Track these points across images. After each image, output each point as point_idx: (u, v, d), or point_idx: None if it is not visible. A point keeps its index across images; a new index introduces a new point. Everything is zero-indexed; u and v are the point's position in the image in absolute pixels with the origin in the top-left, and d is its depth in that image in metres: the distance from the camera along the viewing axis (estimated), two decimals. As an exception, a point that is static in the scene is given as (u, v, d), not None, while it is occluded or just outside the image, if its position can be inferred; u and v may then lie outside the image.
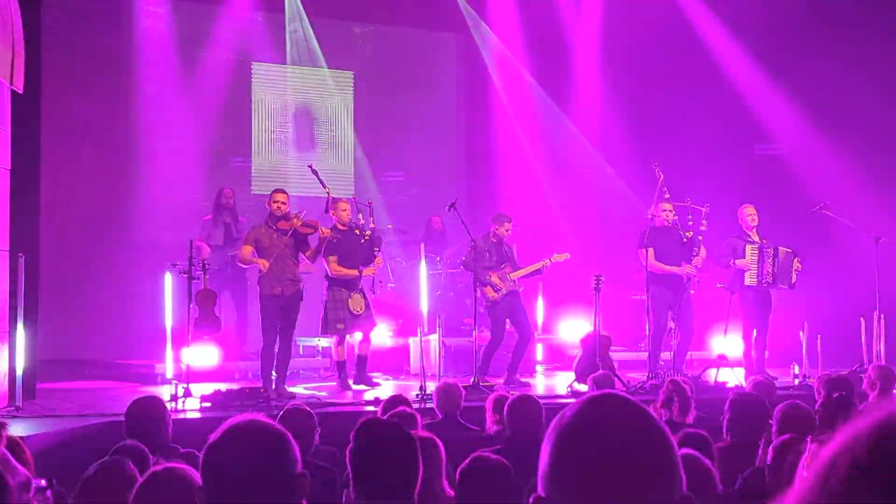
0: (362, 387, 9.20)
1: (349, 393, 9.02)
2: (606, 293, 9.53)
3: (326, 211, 9.39)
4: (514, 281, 9.81)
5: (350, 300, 9.12)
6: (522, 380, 9.79)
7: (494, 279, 9.70)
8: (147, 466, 3.49)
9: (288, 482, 2.00)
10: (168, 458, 4.10)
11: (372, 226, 9.36)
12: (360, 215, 9.53)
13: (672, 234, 9.73)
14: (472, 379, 8.82)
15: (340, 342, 9.28)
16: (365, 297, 9.26)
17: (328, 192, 9.41)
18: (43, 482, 1.66)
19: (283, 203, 8.89)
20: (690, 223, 10.04)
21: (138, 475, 3.26)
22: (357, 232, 9.22)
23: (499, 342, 9.80)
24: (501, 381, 9.60)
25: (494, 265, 9.75)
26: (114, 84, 12.29)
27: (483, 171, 14.09)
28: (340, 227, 9.23)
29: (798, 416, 4.77)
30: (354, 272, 9.13)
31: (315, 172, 9.61)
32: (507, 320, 9.87)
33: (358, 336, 9.39)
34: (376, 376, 9.81)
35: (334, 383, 9.49)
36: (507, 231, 9.87)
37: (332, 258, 9.08)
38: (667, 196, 10.00)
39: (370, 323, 9.38)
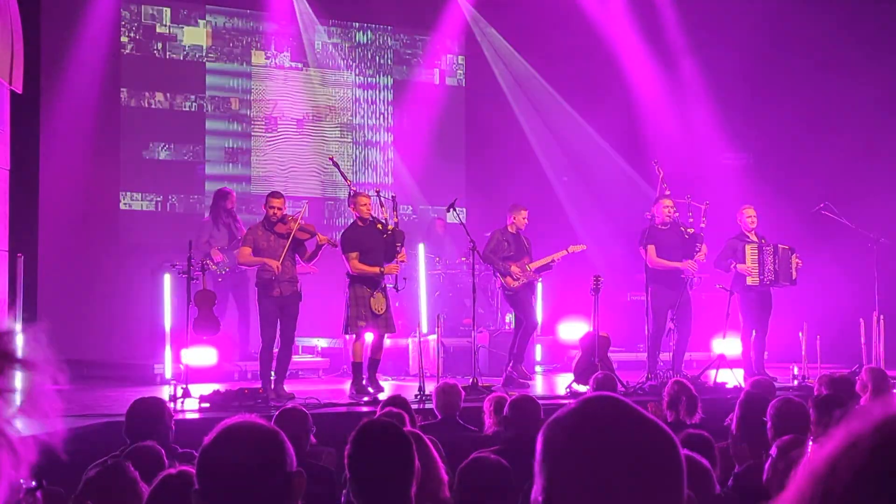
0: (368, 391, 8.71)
1: (365, 398, 8.49)
2: (605, 294, 9.53)
3: (349, 205, 9.13)
4: (532, 272, 9.83)
5: (373, 299, 8.71)
6: (521, 380, 9.71)
7: (515, 269, 9.70)
8: (162, 468, 3.49)
9: (283, 481, 2.00)
10: (170, 458, 4.10)
11: (395, 220, 8.97)
12: (384, 210, 9.28)
13: (673, 230, 9.72)
14: (472, 379, 8.80)
15: (359, 341, 8.78)
16: (387, 299, 8.84)
17: (350, 185, 9.25)
18: (33, 483, 1.65)
19: (279, 208, 8.80)
20: (691, 220, 10.05)
21: (139, 477, 3.26)
22: (379, 227, 8.82)
23: (532, 328, 9.90)
24: (505, 377, 9.60)
25: (514, 256, 9.78)
26: (114, 83, 12.28)
27: (484, 171, 14.08)
28: (360, 222, 8.86)
29: (792, 412, 4.77)
30: (376, 269, 8.71)
31: (336, 164, 9.51)
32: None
33: (369, 338, 8.84)
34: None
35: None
36: (523, 219, 9.85)
37: (354, 255, 8.68)
38: (667, 193, 10.00)
39: (389, 326, 8.90)
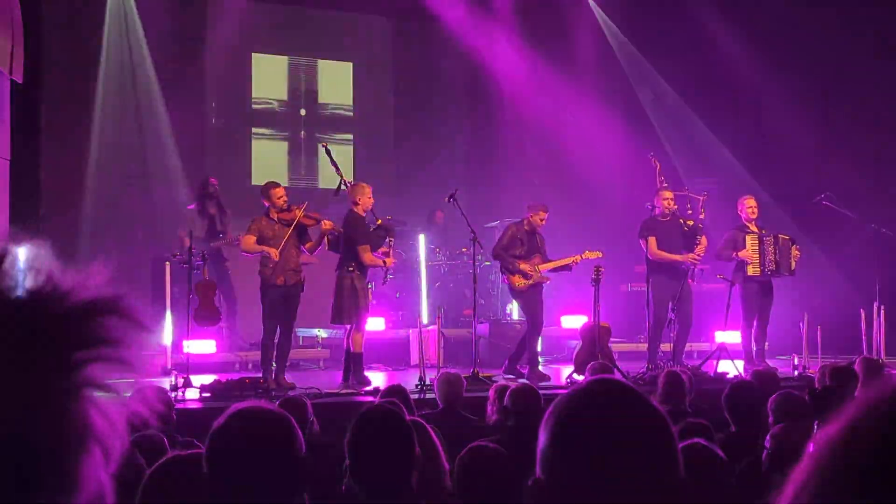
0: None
1: (367, 387, 8.50)
2: (606, 284, 9.52)
3: (336, 193, 9.11)
4: (541, 273, 9.67)
5: (369, 289, 8.95)
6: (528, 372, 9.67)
7: (525, 266, 9.54)
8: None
9: (291, 465, 2.01)
10: (172, 447, 4.11)
11: (388, 217, 9.10)
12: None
13: (673, 222, 9.71)
14: (473, 369, 8.80)
15: (361, 331, 8.86)
16: None
17: (341, 176, 9.19)
18: None
19: (285, 197, 8.84)
20: (690, 212, 10.04)
21: (146, 466, 3.25)
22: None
23: (540, 328, 9.68)
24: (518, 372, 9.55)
25: (524, 255, 9.59)
26: (114, 75, 12.27)
27: (483, 164, 14.09)
28: (363, 213, 8.84)
29: (792, 405, 4.78)
30: (381, 262, 8.87)
31: (328, 152, 9.48)
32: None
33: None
34: (374, 368, 9.77)
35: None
36: (541, 220, 9.64)
37: (367, 247, 8.74)
38: (665, 185, 10.00)
39: None
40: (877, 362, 6.70)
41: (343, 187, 9.08)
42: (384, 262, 8.88)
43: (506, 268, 9.63)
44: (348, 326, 8.85)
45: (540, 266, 9.65)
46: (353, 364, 8.83)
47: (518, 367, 9.68)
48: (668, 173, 10.38)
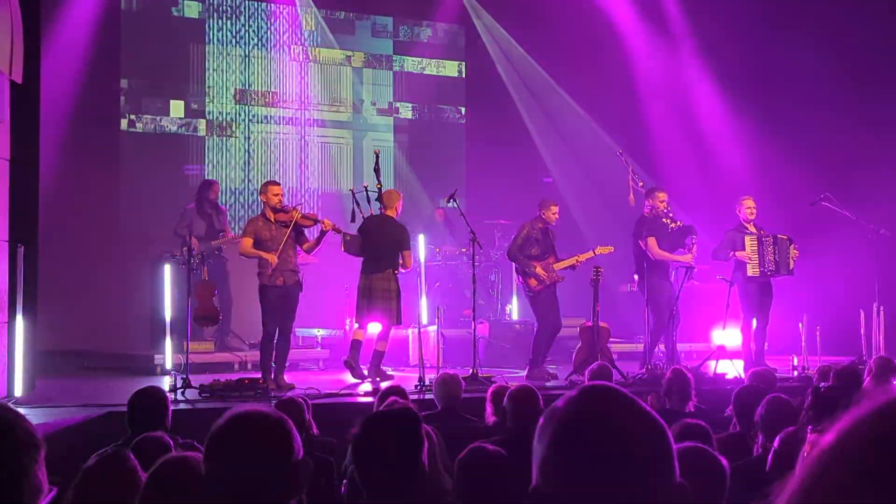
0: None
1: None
2: (605, 285, 9.51)
3: (378, 199, 9.28)
4: (556, 274, 9.66)
5: None
6: (550, 369, 9.64)
7: (539, 271, 9.52)
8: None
9: (290, 468, 2.02)
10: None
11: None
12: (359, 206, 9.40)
13: (663, 223, 9.67)
14: (472, 370, 8.80)
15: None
16: None
17: (379, 182, 9.35)
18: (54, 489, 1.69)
19: (282, 195, 8.86)
20: (670, 213, 10.02)
21: (139, 466, 3.25)
22: None
23: (553, 330, 9.69)
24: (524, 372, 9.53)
25: (540, 255, 9.56)
26: (113, 73, 12.27)
27: (482, 160, 14.09)
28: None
29: (781, 410, 4.77)
30: None
31: (377, 159, 9.60)
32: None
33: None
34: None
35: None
36: (554, 215, 9.65)
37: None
38: (640, 185, 9.99)
39: None
40: (890, 363, 6.67)
41: (366, 192, 9.38)
42: None
43: (522, 270, 9.61)
44: (352, 324, 9.05)
45: (555, 265, 9.63)
46: (378, 360, 9.08)
47: (544, 364, 9.63)
48: (665, 169, 10.37)
